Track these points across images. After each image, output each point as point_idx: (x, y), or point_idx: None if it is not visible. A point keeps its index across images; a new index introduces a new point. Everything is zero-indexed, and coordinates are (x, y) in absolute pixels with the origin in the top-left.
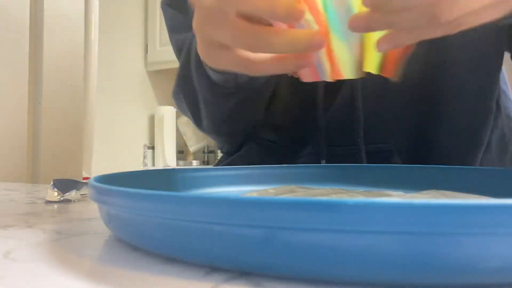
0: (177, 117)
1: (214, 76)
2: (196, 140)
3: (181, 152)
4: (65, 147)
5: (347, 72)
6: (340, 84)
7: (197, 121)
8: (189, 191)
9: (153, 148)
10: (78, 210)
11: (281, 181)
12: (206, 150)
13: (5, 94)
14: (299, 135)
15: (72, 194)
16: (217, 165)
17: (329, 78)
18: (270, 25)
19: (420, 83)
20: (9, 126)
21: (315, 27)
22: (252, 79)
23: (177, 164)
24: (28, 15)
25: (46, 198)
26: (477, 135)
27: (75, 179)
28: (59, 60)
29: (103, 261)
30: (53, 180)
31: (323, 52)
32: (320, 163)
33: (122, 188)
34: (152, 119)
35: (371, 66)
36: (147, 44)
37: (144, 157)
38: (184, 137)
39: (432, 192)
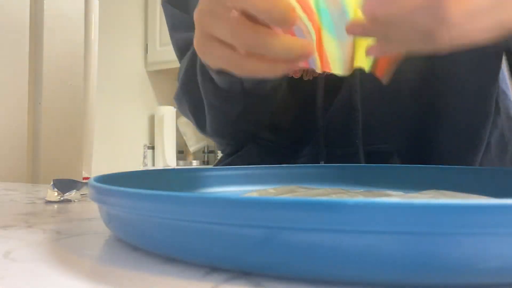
0: (177, 117)
1: (218, 80)
2: (196, 140)
3: (181, 152)
4: (65, 147)
5: (336, 68)
6: (339, 84)
7: (200, 125)
8: (189, 191)
9: (153, 148)
10: (78, 210)
11: (281, 181)
12: (206, 150)
13: (5, 94)
14: (298, 136)
15: (72, 194)
16: (217, 165)
17: (318, 70)
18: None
19: (419, 83)
20: (9, 126)
21: (308, 24)
22: (259, 84)
23: (177, 164)
24: (28, 15)
25: (46, 198)
26: (477, 135)
27: (75, 179)
28: (59, 60)
29: (103, 261)
30: (53, 180)
31: (313, 40)
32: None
33: (122, 188)
34: (152, 119)
35: (364, 62)
36: (147, 44)
37: (144, 157)
38: (184, 137)
39: (432, 192)
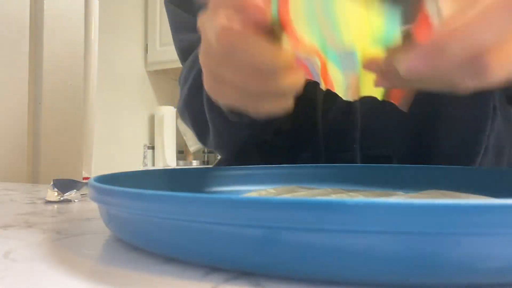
0: (177, 117)
1: (228, 114)
2: (196, 140)
3: (181, 152)
4: (65, 147)
5: (340, 93)
6: None
7: (202, 139)
8: (189, 191)
9: (153, 148)
10: (78, 210)
11: (281, 181)
12: (206, 150)
13: (5, 94)
14: (297, 139)
15: (72, 194)
16: (217, 165)
17: (322, 87)
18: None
19: (417, 89)
20: (9, 126)
21: (315, 57)
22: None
23: (177, 164)
24: (28, 15)
25: (46, 198)
26: (476, 140)
27: (75, 179)
28: (59, 60)
29: (103, 261)
30: (53, 180)
31: (319, 69)
32: None
33: (122, 188)
34: (152, 119)
35: (374, 92)
36: (147, 44)
37: (144, 157)
38: (184, 137)
39: (432, 192)
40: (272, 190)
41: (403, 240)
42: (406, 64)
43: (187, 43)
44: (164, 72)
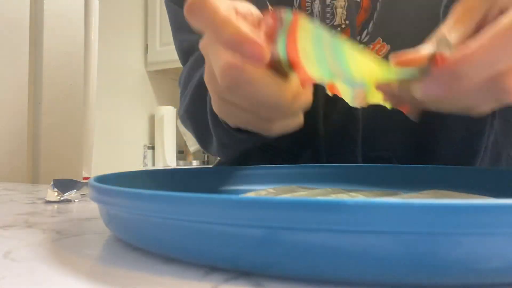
0: (177, 117)
1: (235, 132)
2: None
3: (181, 152)
4: (65, 147)
5: (347, 99)
6: None
7: (204, 146)
8: (189, 191)
9: (153, 148)
10: (78, 210)
11: (281, 181)
12: None
13: (5, 94)
14: (299, 141)
15: (72, 194)
16: (217, 165)
17: (329, 93)
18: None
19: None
20: (9, 126)
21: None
22: None
23: (177, 164)
24: (28, 15)
25: (46, 198)
26: (475, 141)
27: (75, 179)
28: (59, 60)
29: (103, 261)
30: (53, 180)
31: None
32: None
33: (122, 188)
34: (152, 119)
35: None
36: (147, 44)
37: (144, 157)
38: (184, 137)
39: (432, 192)
40: (272, 190)
41: (403, 240)
42: (423, 89)
43: (188, 44)
44: (164, 72)
